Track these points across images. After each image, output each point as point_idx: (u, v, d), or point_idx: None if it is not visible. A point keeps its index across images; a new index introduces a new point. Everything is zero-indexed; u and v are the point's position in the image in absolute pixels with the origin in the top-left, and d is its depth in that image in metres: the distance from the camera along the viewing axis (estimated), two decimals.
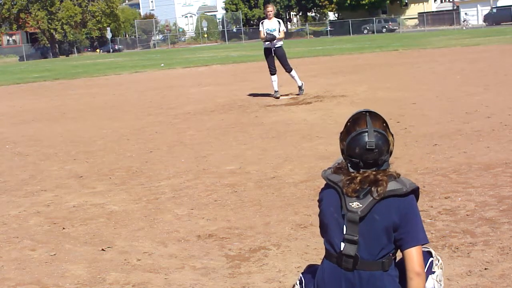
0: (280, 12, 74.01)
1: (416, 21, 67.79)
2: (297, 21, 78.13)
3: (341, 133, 2.66)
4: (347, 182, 2.53)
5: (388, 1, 69.40)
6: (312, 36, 65.48)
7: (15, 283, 3.94)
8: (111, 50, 66.87)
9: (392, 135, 2.64)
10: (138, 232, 4.79)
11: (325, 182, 2.67)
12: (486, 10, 60.78)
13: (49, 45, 67.44)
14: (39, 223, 5.22)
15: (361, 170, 2.54)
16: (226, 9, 75.68)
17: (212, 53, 39.09)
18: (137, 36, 73.89)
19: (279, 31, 12.55)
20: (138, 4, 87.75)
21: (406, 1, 71.77)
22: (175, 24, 78.01)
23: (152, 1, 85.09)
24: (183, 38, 75.92)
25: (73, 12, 64.61)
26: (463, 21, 57.22)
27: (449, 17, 64.13)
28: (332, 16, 75.28)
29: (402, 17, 67.89)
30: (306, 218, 4.78)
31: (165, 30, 76.28)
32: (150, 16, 79.20)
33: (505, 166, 5.85)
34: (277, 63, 12.85)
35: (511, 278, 3.45)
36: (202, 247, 4.35)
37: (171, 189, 6.03)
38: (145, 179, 6.57)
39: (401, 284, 2.57)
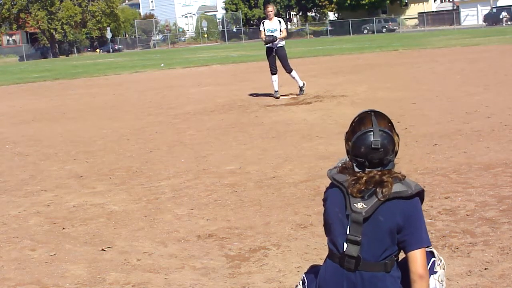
0: (280, 12, 74.00)
1: (416, 21, 67.79)
2: (297, 21, 78.11)
3: (346, 133, 2.66)
4: (353, 182, 2.53)
5: (388, 1, 69.39)
6: (312, 36, 65.46)
7: (15, 283, 3.94)
8: (111, 50, 66.86)
9: (398, 135, 2.64)
10: (138, 232, 4.79)
11: (330, 181, 2.67)
12: (486, 10, 60.76)
13: (49, 45, 67.43)
14: (39, 223, 5.22)
15: (367, 170, 2.54)
16: (226, 9, 75.68)
17: (212, 53, 39.09)
18: (137, 36, 73.88)
19: (280, 31, 12.54)
20: (138, 4, 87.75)
21: (406, 1, 71.76)
22: (175, 24, 78.01)
23: (152, 1, 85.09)
24: (183, 38, 75.92)
25: (73, 12, 64.60)
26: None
27: (449, 17, 64.12)
28: (332, 16, 75.27)
29: (402, 17, 67.88)
30: (306, 218, 4.78)
31: (165, 30, 76.27)
32: (150, 16, 79.20)
33: (505, 166, 5.85)
34: (278, 63, 12.85)
35: (511, 278, 3.45)
36: (202, 247, 4.35)
37: (171, 189, 6.03)
38: (145, 179, 6.57)
39: (404, 285, 2.56)
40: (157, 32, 76.88)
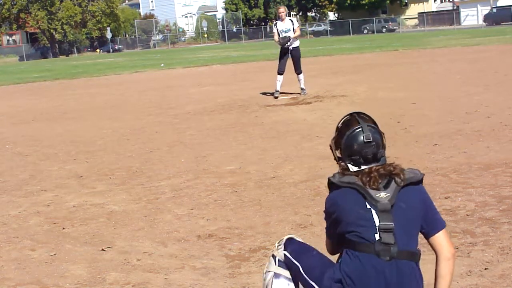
0: None
1: (416, 21, 67.77)
2: (297, 21, 78.12)
3: (333, 141, 2.72)
4: (367, 178, 2.56)
5: (388, 1, 69.38)
6: (312, 36, 65.46)
7: (15, 283, 3.94)
8: (111, 50, 66.86)
9: (383, 133, 2.70)
10: (138, 232, 4.79)
11: (329, 188, 2.66)
12: (486, 10, 60.76)
13: (49, 45, 67.43)
14: (39, 223, 5.22)
15: (363, 167, 2.58)
16: (226, 9, 75.67)
17: (212, 53, 39.09)
18: (137, 36, 73.88)
19: (293, 31, 12.54)
20: (138, 4, 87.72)
21: (406, 1, 71.74)
22: (175, 24, 78.00)
23: (152, 1, 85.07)
24: (183, 38, 75.91)
25: (73, 12, 64.60)
26: None
27: (449, 17, 64.09)
28: (332, 16, 75.27)
29: (402, 17, 67.86)
30: (306, 218, 4.79)
31: (165, 30, 76.26)
32: (150, 16, 79.18)
33: (505, 166, 5.85)
34: (288, 64, 12.77)
35: (511, 278, 3.45)
36: (202, 247, 4.35)
37: (171, 189, 6.03)
38: (145, 179, 6.57)
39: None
40: (157, 32, 76.88)
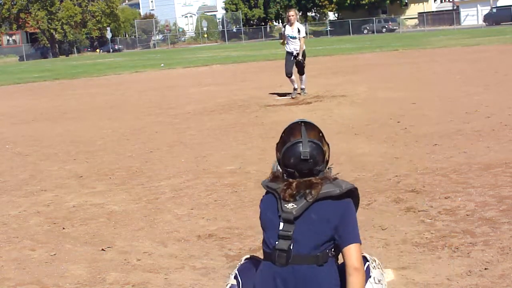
0: (280, 12, 73.98)
1: (416, 21, 67.78)
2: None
3: (277, 144, 2.71)
4: (284, 188, 2.59)
5: (388, 1, 69.39)
6: (312, 36, 65.46)
7: (15, 283, 3.94)
8: (111, 50, 66.88)
9: (328, 145, 2.68)
10: (138, 232, 4.79)
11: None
12: (486, 10, 60.76)
13: (49, 45, 67.45)
14: (39, 223, 5.22)
15: (297, 179, 2.60)
16: (226, 9, 75.67)
17: (212, 53, 39.09)
18: (137, 36, 73.89)
19: (298, 39, 12.27)
20: (138, 4, 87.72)
21: (406, 1, 71.74)
22: (175, 24, 78.00)
23: (152, 1, 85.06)
24: (183, 38, 75.92)
25: (73, 12, 64.63)
26: None
27: (449, 17, 64.10)
28: (332, 16, 75.26)
29: (402, 17, 67.87)
30: None
31: (165, 30, 76.27)
32: (150, 16, 79.19)
33: (505, 166, 5.85)
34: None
35: (511, 278, 3.45)
36: (202, 247, 4.35)
37: (171, 189, 6.03)
38: (145, 179, 6.57)
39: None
40: (157, 32, 76.88)
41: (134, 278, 3.87)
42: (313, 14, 77.05)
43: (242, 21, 72.26)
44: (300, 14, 75.54)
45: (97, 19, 67.14)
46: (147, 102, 14.11)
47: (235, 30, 73.82)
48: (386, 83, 14.02)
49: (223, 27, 73.66)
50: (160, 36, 76.81)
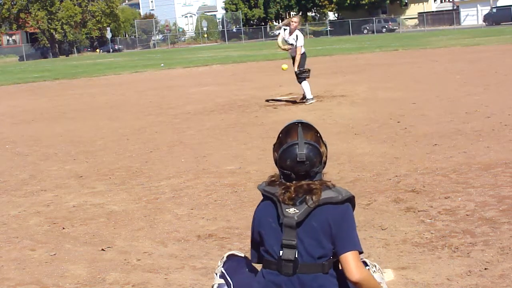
0: (280, 12, 74.04)
1: (416, 21, 67.78)
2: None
3: (274, 145, 2.66)
4: (283, 191, 2.54)
5: (388, 1, 69.38)
6: (312, 36, 65.46)
7: (15, 283, 3.94)
8: (111, 50, 66.88)
9: (326, 146, 2.64)
10: (138, 232, 4.79)
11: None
12: (486, 10, 60.76)
13: (49, 45, 67.44)
14: (39, 223, 5.22)
15: (294, 182, 2.55)
16: (226, 9, 75.67)
17: (212, 53, 39.09)
18: (137, 36, 73.89)
19: (294, 46, 11.67)
20: (138, 4, 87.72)
21: (406, 1, 71.75)
22: (175, 24, 78.00)
23: (152, 1, 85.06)
24: (183, 38, 75.92)
25: (73, 12, 64.62)
26: None
27: (449, 17, 64.10)
28: (332, 16, 75.27)
29: (402, 17, 67.87)
30: None
31: (165, 30, 76.27)
32: (150, 16, 79.19)
33: (505, 166, 5.85)
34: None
35: (511, 278, 3.45)
36: (202, 247, 4.35)
37: (171, 189, 6.03)
38: (145, 179, 6.57)
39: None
40: (157, 32, 76.88)
41: (134, 278, 3.87)
42: (313, 14, 77.04)
43: (242, 21, 72.26)
44: (300, 14, 75.61)
45: (97, 19, 67.13)
46: (147, 102, 14.11)
47: (235, 30, 73.81)
48: (386, 83, 14.02)
49: (223, 27, 73.67)
50: (160, 36, 76.81)
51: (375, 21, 63.95)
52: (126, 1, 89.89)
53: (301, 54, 11.66)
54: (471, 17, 63.54)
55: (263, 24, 74.20)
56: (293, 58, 11.85)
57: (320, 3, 70.63)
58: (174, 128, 9.97)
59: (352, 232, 2.54)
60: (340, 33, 63.35)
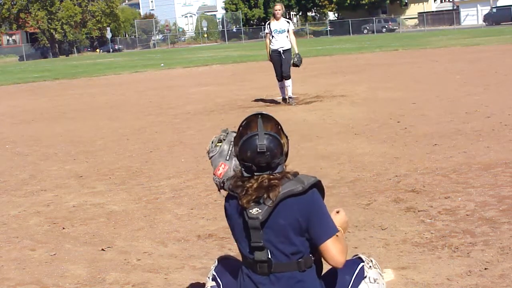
0: None
1: (416, 21, 67.79)
2: (297, 21, 78.16)
3: (234, 138, 2.64)
4: (243, 193, 2.50)
5: (388, 1, 69.39)
6: (312, 36, 65.46)
7: (15, 283, 3.94)
8: (111, 50, 66.88)
9: (287, 137, 2.60)
10: (138, 232, 4.79)
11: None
12: (486, 10, 60.77)
13: (49, 45, 67.44)
14: (39, 223, 5.22)
15: (256, 175, 2.50)
16: (226, 9, 75.67)
17: (212, 53, 39.09)
18: (137, 36, 73.89)
19: (288, 31, 11.55)
20: (138, 4, 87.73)
21: (406, 1, 71.76)
22: (175, 24, 78.01)
23: (152, 1, 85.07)
24: (183, 38, 75.93)
25: (73, 12, 64.61)
26: None
27: (449, 17, 64.12)
28: (332, 16, 75.28)
29: (402, 17, 67.87)
30: None
31: (165, 30, 76.27)
32: (150, 16, 79.20)
33: (505, 166, 5.85)
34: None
35: (511, 278, 3.45)
36: (202, 247, 4.35)
37: (171, 189, 6.03)
38: (145, 179, 6.57)
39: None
40: (157, 32, 76.89)
41: (134, 278, 3.88)
42: (313, 14, 77.04)
43: (242, 21, 72.25)
44: (300, 14, 75.62)
45: (97, 19, 67.13)
46: (147, 102, 14.11)
47: (235, 30, 73.81)
48: (386, 83, 14.02)
49: (223, 27, 73.66)
50: (160, 36, 76.81)
51: (375, 21, 63.95)
52: (126, 1, 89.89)
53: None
54: (471, 17, 63.55)
55: (263, 24, 74.10)
56: (283, 54, 11.64)
57: (320, 3, 70.63)
58: (174, 128, 9.97)
59: (324, 219, 2.49)
60: (340, 33, 63.35)
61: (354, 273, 2.63)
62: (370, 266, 2.69)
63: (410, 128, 8.21)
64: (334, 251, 2.46)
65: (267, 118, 2.57)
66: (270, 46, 11.77)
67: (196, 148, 8.09)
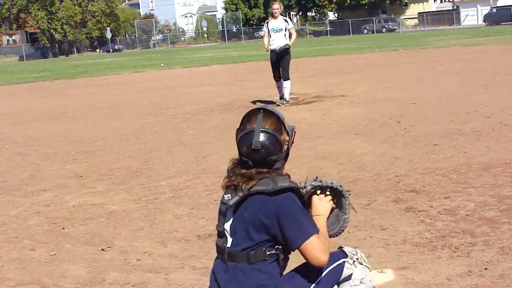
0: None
1: (416, 21, 67.80)
2: (297, 21, 78.19)
3: (237, 129, 2.64)
4: (226, 177, 2.55)
5: (388, 1, 69.39)
6: (312, 36, 65.46)
7: (15, 283, 3.94)
8: (111, 50, 66.90)
9: (288, 133, 2.56)
10: (138, 232, 4.79)
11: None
12: (486, 10, 60.78)
13: (49, 45, 67.45)
14: (39, 223, 5.22)
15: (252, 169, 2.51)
16: (226, 9, 75.69)
17: (212, 53, 39.09)
18: (137, 36, 73.90)
19: (285, 30, 11.48)
20: (138, 4, 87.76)
21: (406, 1, 71.77)
22: (175, 24, 78.02)
23: (152, 1, 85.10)
24: (183, 38, 75.93)
25: (73, 12, 64.63)
26: None
27: (449, 17, 64.14)
28: (332, 16, 75.28)
29: (402, 17, 67.89)
30: None
31: (165, 30, 76.29)
32: (150, 16, 79.22)
33: (505, 166, 5.85)
34: None
35: (511, 278, 3.45)
36: (202, 247, 4.35)
37: (171, 189, 6.03)
38: (145, 179, 6.57)
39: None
40: (157, 32, 76.89)
41: (134, 278, 3.87)
42: (313, 14, 77.05)
43: (242, 21, 72.26)
44: (300, 14, 75.61)
45: (97, 19, 67.14)
46: (147, 102, 14.11)
47: (235, 30, 73.82)
48: (386, 83, 14.02)
49: (223, 27, 73.67)
50: (160, 36, 76.82)
51: (375, 21, 63.97)
52: (126, 1, 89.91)
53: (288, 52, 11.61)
54: (471, 17, 63.57)
55: (263, 24, 74.15)
56: (280, 54, 11.59)
57: (320, 3, 70.64)
58: (174, 128, 9.96)
59: (298, 221, 2.43)
60: (340, 33, 63.35)
61: (327, 267, 2.51)
62: (354, 262, 2.58)
63: (410, 128, 8.21)
64: (313, 252, 2.41)
65: (268, 114, 2.54)
66: (269, 46, 11.76)
67: (196, 148, 8.09)
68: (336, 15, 74.51)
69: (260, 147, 2.46)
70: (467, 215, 4.55)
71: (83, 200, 5.89)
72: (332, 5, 70.00)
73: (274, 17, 11.63)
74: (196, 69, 25.08)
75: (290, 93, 12.46)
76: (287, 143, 2.56)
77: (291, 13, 78.02)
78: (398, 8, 71.17)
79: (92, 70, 29.68)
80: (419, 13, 68.25)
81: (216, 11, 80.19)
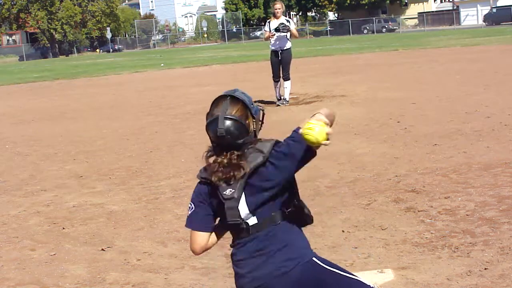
0: None
1: (416, 21, 67.79)
2: (297, 21, 78.20)
3: (206, 114, 2.68)
4: (214, 170, 2.51)
5: (388, 1, 69.39)
6: (312, 36, 65.46)
7: (15, 283, 3.94)
8: (111, 50, 66.90)
9: (253, 116, 2.57)
10: (138, 232, 4.79)
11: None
12: (486, 10, 60.78)
13: (49, 45, 67.45)
14: (39, 223, 5.22)
15: (224, 153, 2.52)
16: (226, 9, 75.68)
17: (212, 53, 39.09)
18: (137, 36, 73.90)
19: (285, 33, 11.44)
20: (138, 4, 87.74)
21: (406, 1, 71.77)
22: (175, 24, 78.02)
23: (152, 1, 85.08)
24: (183, 38, 75.93)
25: (73, 12, 64.62)
26: None
27: (449, 17, 64.13)
28: (332, 16, 75.29)
29: (402, 17, 67.88)
30: None
31: (165, 30, 76.29)
32: (150, 16, 79.20)
33: (505, 166, 5.85)
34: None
35: (511, 278, 3.45)
36: None
37: (171, 189, 6.03)
38: (145, 179, 6.57)
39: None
40: (157, 32, 76.89)
41: (134, 278, 3.87)
42: (313, 14, 77.05)
43: (242, 21, 72.26)
44: (300, 14, 75.61)
45: (97, 19, 67.13)
46: (147, 102, 14.11)
47: (235, 30, 73.81)
48: (386, 83, 14.02)
49: (223, 27, 73.67)
50: (160, 36, 76.81)
51: (375, 21, 63.96)
52: (126, 1, 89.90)
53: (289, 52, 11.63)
54: (471, 17, 63.55)
55: (263, 24, 74.12)
56: (280, 54, 11.60)
57: (320, 3, 70.64)
58: (174, 128, 9.96)
59: (286, 144, 2.49)
60: (340, 33, 63.34)
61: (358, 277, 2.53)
62: None
63: (410, 128, 8.21)
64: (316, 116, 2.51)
65: (234, 100, 2.58)
66: (270, 46, 11.78)
67: (196, 148, 8.09)
68: (336, 15, 74.51)
69: (225, 133, 2.51)
70: (467, 215, 4.56)
71: (83, 200, 5.89)
72: (332, 5, 69.99)
73: (276, 17, 11.61)
74: (196, 69, 25.08)
75: (290, 93, 12.50)
76: (252, 123, 2.57)
77: (291, 13, 78.04)
78: (398, 8, 71.16)
79: (92, 70, 29.68)
80: (419, 13, 68.24)
81: (216, 11, 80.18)
